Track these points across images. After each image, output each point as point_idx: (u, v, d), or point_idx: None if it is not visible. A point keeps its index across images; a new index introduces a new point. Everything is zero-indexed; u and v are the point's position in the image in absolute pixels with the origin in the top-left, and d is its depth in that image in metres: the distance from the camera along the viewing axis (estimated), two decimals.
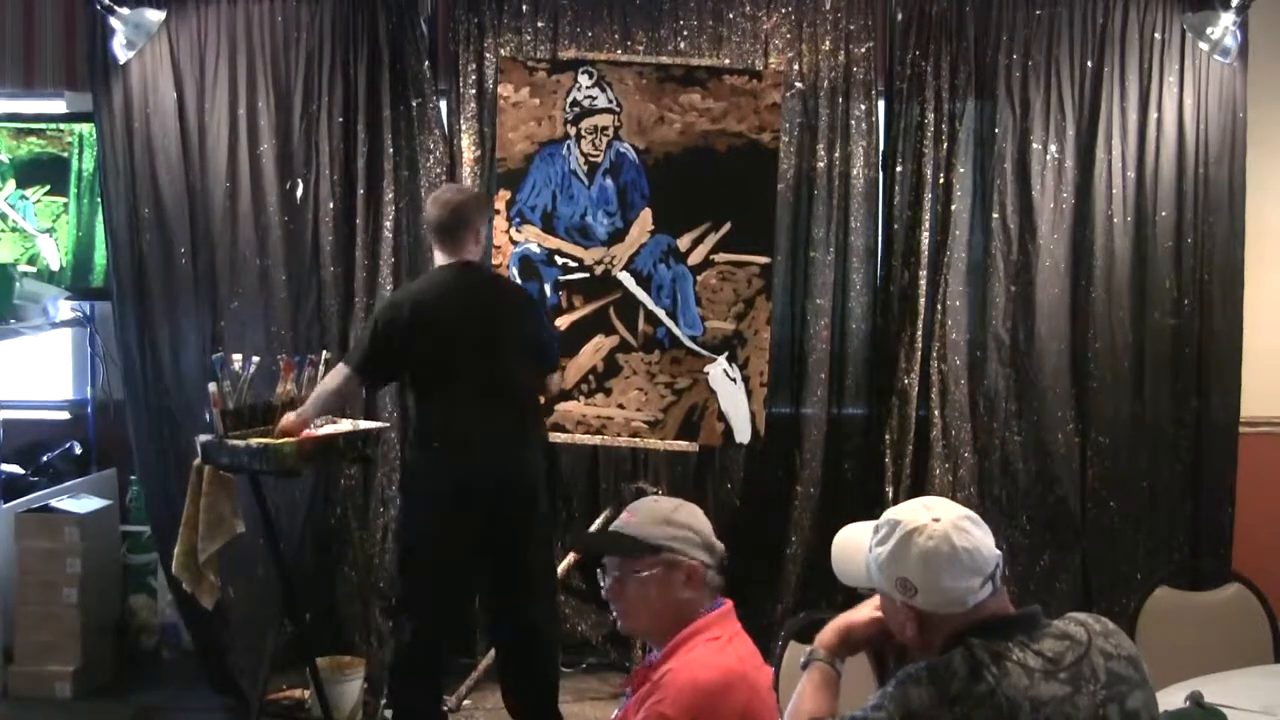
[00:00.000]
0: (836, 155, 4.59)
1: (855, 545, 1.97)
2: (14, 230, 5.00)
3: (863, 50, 4.57)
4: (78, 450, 4.91)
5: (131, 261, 4.54)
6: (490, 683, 4.36)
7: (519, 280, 4.21)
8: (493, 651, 4.25)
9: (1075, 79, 4.55)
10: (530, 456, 3.64)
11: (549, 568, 3.79)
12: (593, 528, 4.37)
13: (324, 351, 4.00)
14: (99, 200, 4.76)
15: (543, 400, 3.97)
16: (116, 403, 4.84)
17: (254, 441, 3.47)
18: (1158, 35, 4.54)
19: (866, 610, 1.99)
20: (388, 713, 4.29)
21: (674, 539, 2.22)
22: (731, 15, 4.57)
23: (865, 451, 4.65)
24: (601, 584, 2.28)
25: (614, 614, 2.29)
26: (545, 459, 3.82)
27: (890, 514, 1.86)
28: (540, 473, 3.68)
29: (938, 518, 1.81)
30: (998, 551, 1.83)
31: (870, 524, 1.93)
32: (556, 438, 4.24)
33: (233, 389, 3.52)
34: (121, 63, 4.48)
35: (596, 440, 4.25)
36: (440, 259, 3.67)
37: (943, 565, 1.77)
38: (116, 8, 4.39)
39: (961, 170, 4.58)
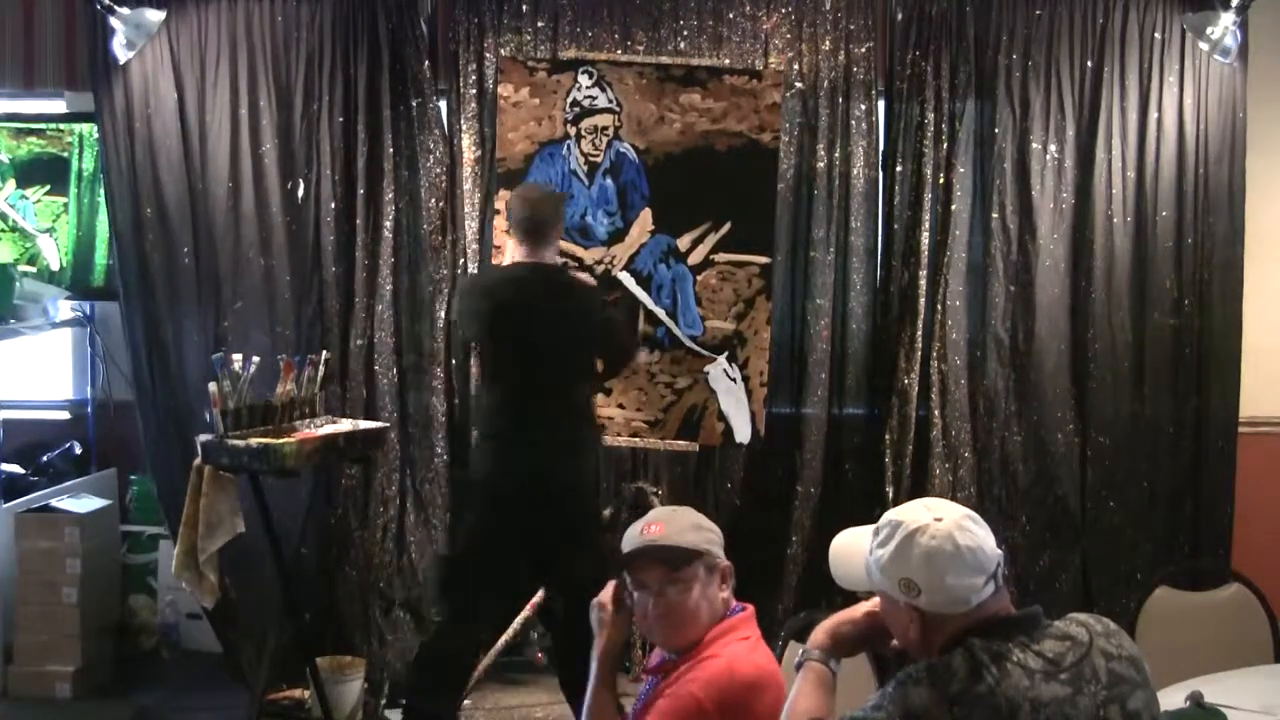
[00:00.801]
0: (836, 155, 4.58)
1: (853, 549, 1.98)
2: (14, 230, 5.00)
3: (863, 50, 4.57)
4: (78, 450, 4.91)
5: (136, 261, 4.56)
6: (490, 682, 4.38)
7: None
8: (494, 650, 4.25)
9: (1075, 79, 4.55)
10: (570, 461, 3.59)
11: (597, 572, 3.73)
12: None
13: (324, 351, 4.00)
14: (99, 200, 4.77)
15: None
16: (116, 403, 4.85)
17: (254, 441, 3.47)
18: (1158, 35, 4.54)
19: (858, 610, 1.99)
20: (388, 713, 4.30)
21: (709, 542, 2.27)
22: (731, 15, 4.56)
23: (865, 451, 4.65)
24: (630, 604, 2.29)
25: (652, 632, 2.28)
26: (597, 466, 3.77)
27: (890, 515, 1.87)
28: (584, 478, 3.62)
29: (940, 517, 1.81)
30: (999, 551, 1.83)
31: (867, 528, 1.94)
32: None
33: (233, 389, 3.52)
34: (122, 63, 4.48)
35: None
36: (517, 254, 3.68)
37: (946, 564, 1.77)
38: (116, 8, 4.39)
39: (961, 170, 4.58)
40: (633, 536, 2.29)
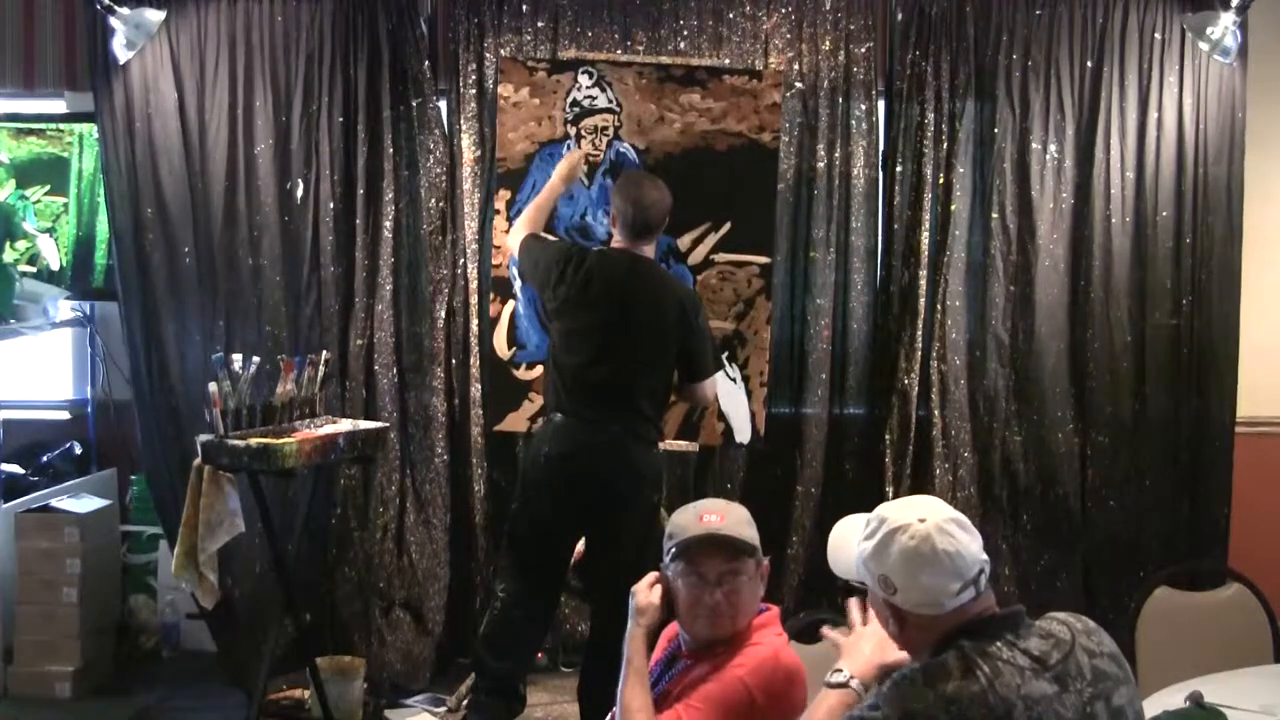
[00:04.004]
0: (836, 155, 4.59)
1: (850, 538, 2.00)
2: (23, 237, 4.99)
3: (863, 50, 4.57)
4: (78, 450, 4.91)
5: (135, 261, 4.55)
6: None
7: (520, 282, 4.21)
8: None
9: (1075, 79, 4.56)
10: (622, 458, 3.54)
11: (631, 570, 3.71)
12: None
13: (324, 351, 4.00)
14: (99, 200, 4.77)
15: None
16: (116, 403, 4.85)
17: (254, 441, 3.47)
18: (1158, 35, 4.54)
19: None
20: (388, 713, 4.30)
21: (757, 539, 2.31)
22: (731, 15, 4.57)
23: (865, 451, 4.65)
24: (677, 591, 2.28)
25: (698, 621, 2.27)
26: (656, 465, 3.68)
27: (881, 510, 1.89)
28: (635, 477, 3.55)
29: (923, 518, 1.83)
30: (984, 557, 1.84)
31: (864, 516, 1.95)
32: None
33: (233, 389, 3.52)
34: (121, 63, 4.48)
35: None
36: (618, 240, 3.69)
37: (922, 565, 1.79)
38: (116, 8, 4.39)
39: (961, 170, 4.58)
40: (688, 524, 2.29)
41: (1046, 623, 1.84)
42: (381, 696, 4.35)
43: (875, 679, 1.99)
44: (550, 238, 3.90)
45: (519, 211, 4.21)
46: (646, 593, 2.34)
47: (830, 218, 4.60)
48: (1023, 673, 1.74)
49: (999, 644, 1.76)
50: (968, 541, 1.82)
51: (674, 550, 2.29)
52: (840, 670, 2.03)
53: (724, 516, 2.28)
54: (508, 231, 4.23)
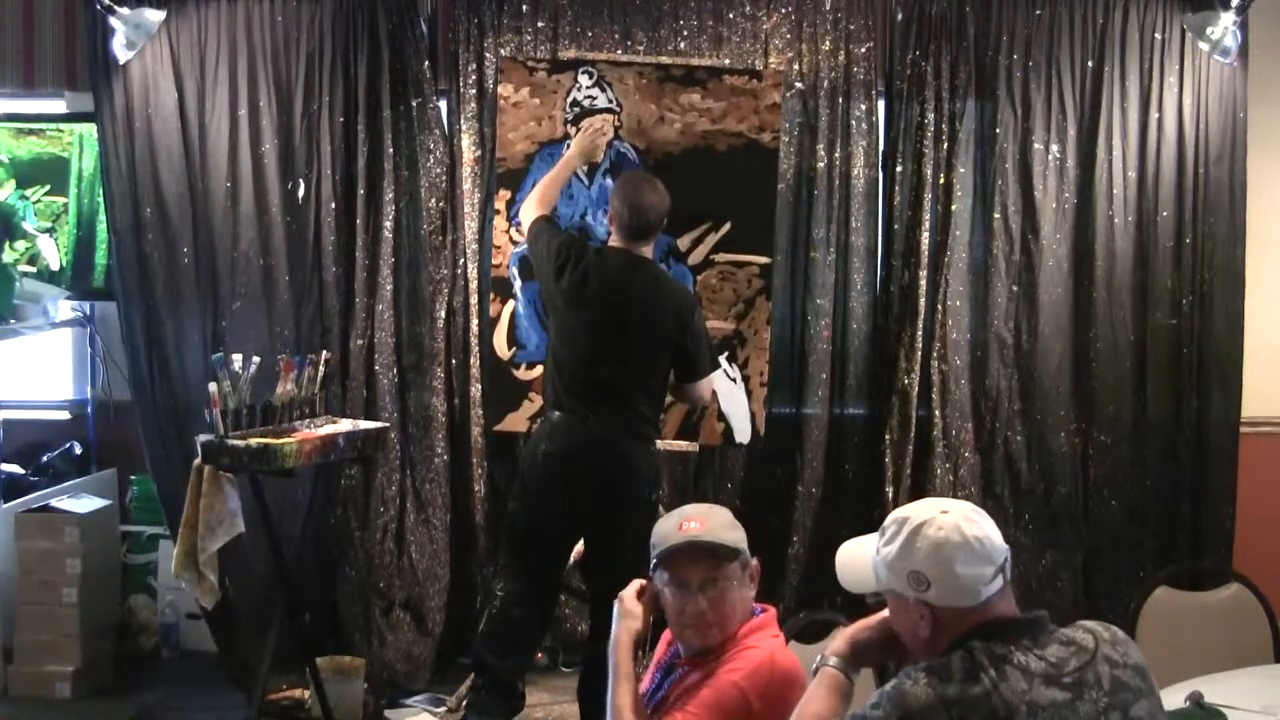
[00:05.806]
0: (836, 155, 4.58)
1: (859, 554, 1.99)
2: (24, 237, 4.99)
3: (863, 50, 4.57)
4: (78, 450, 4.91)
5: (135, 261, 4.56)
6: None
7: (520, 282, 4.21)
8: None
9: (1075, 79, 4.55)
10: (620, 456, 3.54)
11: (630, 569, 3.71)
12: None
13: (324, 351, 4.00)
14: (99, 200, 4.77)
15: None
16: (116, 403, 4.85)
17: (254, 441, 3.47)
18: (1158, 35, 4.54)
19: (876, 617, 1.99)
20: (388, 713, 4.30)
21: (741, 542, 2.29)
22: (731, 15, 4.56)
23: (866, 451, 4.64)
24: (664, 600, 2.27)
25: (685, 631, 2.26)
26: (654, 463, 3.69)
27: (896, 514, 1.88)
28: (633, 475, 3.55)
29: (946, 510, 1.83)
30: (1006, 546, 1.84)
31: (869, 536, 1.95)
32: None
33: (233, 389, 3.52)
34: (122, 63, 4.48)
35: None
36: (615, 241, 3.69)
37: (955, 553, 1.78)
38: (116, 8, 4.39)
39: (962, 170, 4.58)
40: (669, 532, 2.28)
41: (1072, 630, 1.82)
42: (381, 696, 4.34)
43: (848, 650, 1.97)
44: (558, 225, 3.88)
45: (518, 212, 4.21)
46: (632, 599, 2.33)
47: (830, 218, 4.60)
48: (1031, 678, 1.72)
49: (1012, 647, 1.75)
50: (991, 528, 1.83)
51: (656, 560, 2.28)
52: (819, 656, 2.02)
53: (704, 522, 2.26)
54: (507, 231, 4.23)
